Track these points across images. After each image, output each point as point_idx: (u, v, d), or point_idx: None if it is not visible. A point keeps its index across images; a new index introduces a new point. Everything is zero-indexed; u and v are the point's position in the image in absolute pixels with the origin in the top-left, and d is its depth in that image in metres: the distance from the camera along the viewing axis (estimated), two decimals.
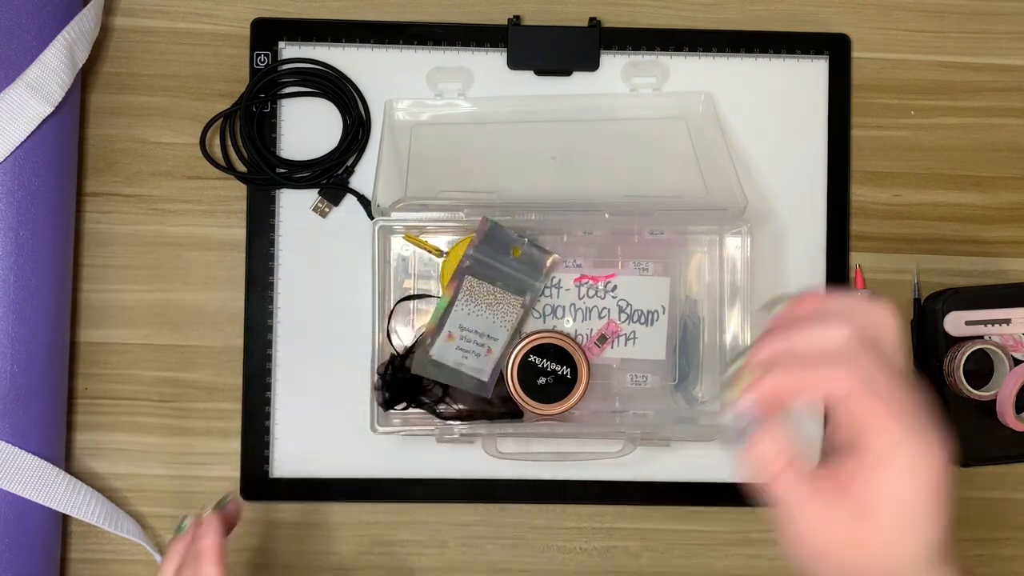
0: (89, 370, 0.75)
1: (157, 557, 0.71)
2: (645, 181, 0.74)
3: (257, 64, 0.75)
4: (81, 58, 0.70)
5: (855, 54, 0.78)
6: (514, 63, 0.76)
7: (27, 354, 0.67)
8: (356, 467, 0.75)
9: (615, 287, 0.73)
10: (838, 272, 0.77)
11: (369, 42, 0.76)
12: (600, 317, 0.73)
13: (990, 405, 0.74)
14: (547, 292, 0.73)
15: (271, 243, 0.75)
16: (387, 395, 0.70)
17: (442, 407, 0.71)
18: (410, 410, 0.72)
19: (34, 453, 0.67)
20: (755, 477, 0.41)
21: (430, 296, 0.73)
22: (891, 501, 0.39)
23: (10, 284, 0.67)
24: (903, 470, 0.39)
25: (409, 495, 0.75)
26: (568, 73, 0.77)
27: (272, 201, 0.75)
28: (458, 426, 0.70)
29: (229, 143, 0.76)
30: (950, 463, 0.39)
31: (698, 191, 0.73)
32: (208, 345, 0.75)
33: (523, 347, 0.71)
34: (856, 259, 0.77)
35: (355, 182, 0.76)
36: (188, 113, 0.76)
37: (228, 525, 0.58)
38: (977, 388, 0.73)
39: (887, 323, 0.42)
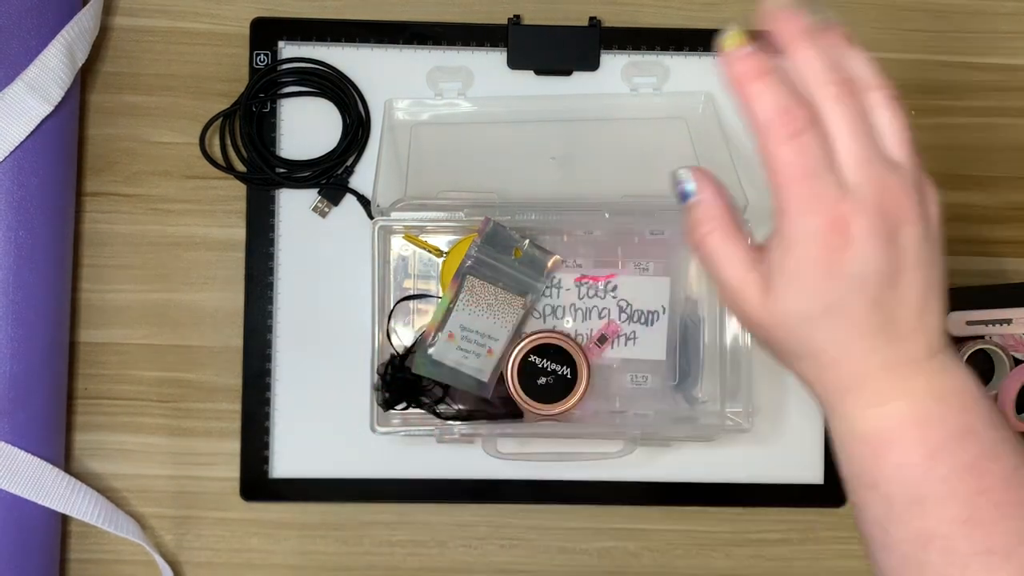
0: (89, 370, 0.75)
1: (157, 557, 0.71)
2: (645, 181, 0.74)
3: (257, 64, 0.75)
4: (81, 58, 0.70)
5: None
6: (514, 63, 0.76)
7: (27, 354, 0.67)
8: (356, 467, 0.75)
9: (615, 287, 0.73)
10: None
11: (369, 42, 0.76)
12: (600, 317, 0.73)
13: None
14: (547, 292, 0.73)
15: (271, 243, 0.75)
16: (387, 395, 0.70)
17: (442, 407, 0.71)
18: (410, 410, 0.72)
19: (34, 453, 0.67)
20: (690, 237, 0.45)
21: (430, 296, 0.73)
22: (783, 263, 0.42)
23: (10, 284, 0.67)
24: (799, 247, 0.42)
25: (409, 495, 0.75)
26: (568, 73, 0.77)
27: (272, 201, 0.75)
28: (458, 426, 0.70)
29: (229, 143, 0.76)
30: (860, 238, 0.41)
31: None
32: (208, 345, 0.75)
33: (523, 347, 0.71)
34: None
35: (355, 182, 0.76)
36: (188, 113, 0.76)
37: None
38: None
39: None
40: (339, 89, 0.75)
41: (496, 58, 0.77)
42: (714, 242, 0.44)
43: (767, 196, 0.78)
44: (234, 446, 0.75)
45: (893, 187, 0.42)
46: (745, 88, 0.42)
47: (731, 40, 0.42)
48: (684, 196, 0.45)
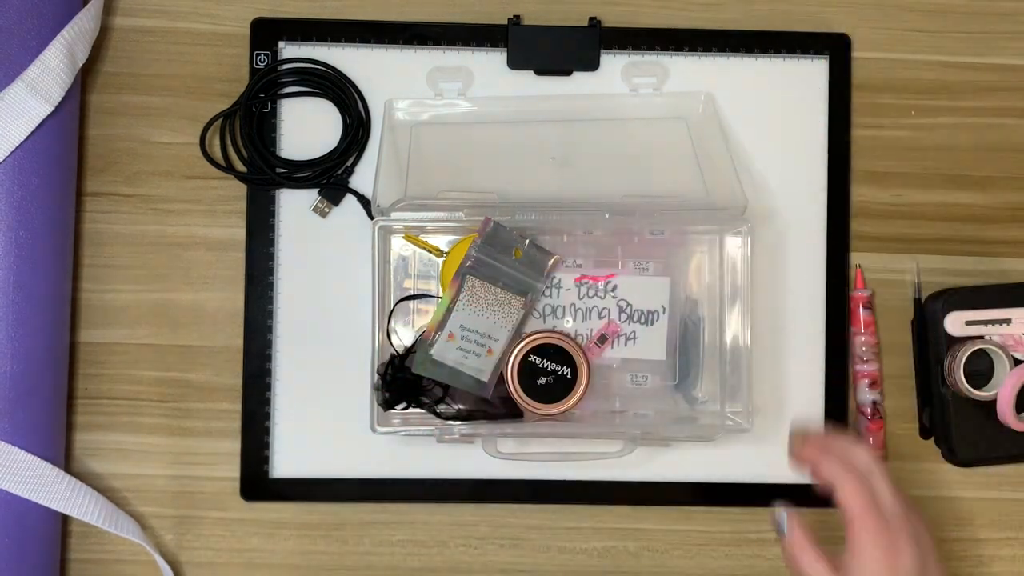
0: (89, 370, 0.75)
1: (157, 557, 0.71)
2: (645, 181, 0.74)
3: (257, 64, 0.75)
4: (81, 58, 0.70)
5: (855, 54, 0.78)
6: (514, 63, 0.76)
7: (27, 354, 0.67)
8: (356, 467, 0.75)
9: (615, 287, 0.73)
10: (838, 272, 0.77)
11: (369, 42, 0.76)
12: (600, 317, 0.73)
13: (990, 405, 0.73)
14: (547, 292, 0.73)
15: (271, 243, 0.75)
16: (387, 395, 0.70)
17: (442, 407, 0.71)
18: (410, 410, 0.72)
19: (34, 453, 0.67)
20: (786, 561, 0.62)
21: (430, 296, 0.73)
22: (858, 568, 0.59)
23: (10, 284, 0.67)
24: (871, 559, 0.58)
25: (409, 495, 0.75)
26: (568, 73, 0.77)
27: (272, 201, 0.75)
28: (458, 426, 0.70)
29: (229, 143, 0.76)
30: (919, 558, 0.58)
31: (698, 191, 0.73)
32: (208, 345, 0.75)
33: (523, 347, 0.71)
34: (856, 259, 0.77)
35: (355, 182, 0.76)
36: (188, 113, 0.76)
37: None
38: (977, 388, 0.73)
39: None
40: (339, 89, 0.75)
41: (496, 58, 0.77)
42: (803, 562, 0.60)
43: (766, 196, 0.78)
44: (234, 446, 0.75)
45: (909, 516, 0.60)
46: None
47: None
48: (780, 531, 0.62)
